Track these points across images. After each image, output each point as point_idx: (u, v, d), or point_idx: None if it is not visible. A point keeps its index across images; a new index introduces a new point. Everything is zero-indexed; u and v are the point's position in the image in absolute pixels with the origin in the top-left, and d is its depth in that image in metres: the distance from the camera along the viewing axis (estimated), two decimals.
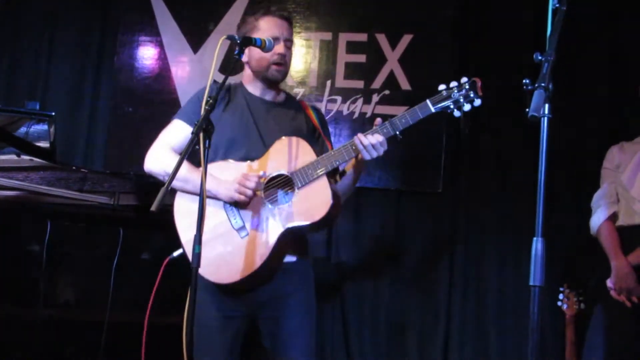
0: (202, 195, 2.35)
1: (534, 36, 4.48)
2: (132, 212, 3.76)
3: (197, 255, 2.32)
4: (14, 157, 3.71)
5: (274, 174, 2.70)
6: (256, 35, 2.80)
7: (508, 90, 4.55)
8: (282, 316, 2.73)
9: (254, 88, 2.92)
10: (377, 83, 4.83)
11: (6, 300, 3.36)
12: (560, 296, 3.88)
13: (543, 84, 1.94)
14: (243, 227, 2.67)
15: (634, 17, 4.44)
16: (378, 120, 2.67)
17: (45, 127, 3.89)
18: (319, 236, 4.63)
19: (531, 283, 1.91)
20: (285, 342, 2.73)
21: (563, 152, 4.30)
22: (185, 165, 2.66)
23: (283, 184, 2.69)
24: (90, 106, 5.30)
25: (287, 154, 2.70)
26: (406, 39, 4.83)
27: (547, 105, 1.95)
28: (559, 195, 4.26)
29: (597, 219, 3.65)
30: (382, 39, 4.87)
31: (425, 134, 4.73)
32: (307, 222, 2.61)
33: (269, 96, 2.92)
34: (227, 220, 2.70)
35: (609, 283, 3.47)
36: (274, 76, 2.85)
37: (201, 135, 2.38)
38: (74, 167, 3.96)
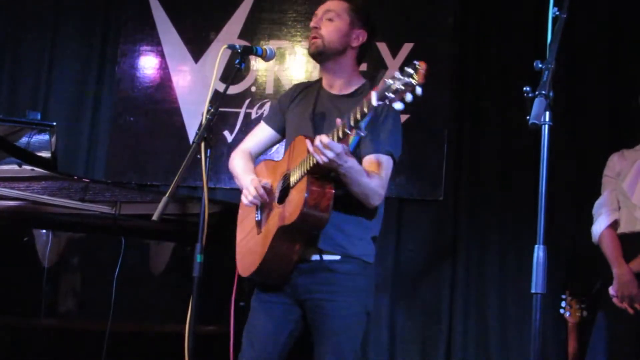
0: (204, 204, 2.36)
1: (534, 44, 4.49)
2: (134, 222, 3.76)
3: (199, 264, 2.33)
4: (15, 167, 3.70)
5: (284, 172, 2.69)
6: None
7: (508, 98, 4.59)
8: (316, 316, 2.67)
9: (324, 81, 2.86)
10: None
11: (8, 310, 3.36)
12: (563, 303, 3.87)
13: (543, 92, 1.94)
14: (259, 225, 2.70)
15: (635, 25, 4.45)
16: (338, 120, 2.45)
17: (47, 137, 3.89)
18: None
19: (533, 290, 1.91)
20: (320, 343, 2.68)
21: (564, 159, 4.31)
22: (244, 163, 2.81)
23: (287, 183, 2.67)
24: (92, 116, 5.30)
25: (293, 153, 2.67)
26: (407, 48, 4.85)
27: (547, 113, 1.94)
28: (560, 202, 4.26)
29: (599, 226, 3.64)
30: (382, 47, 4.88)
31: (427, 143, 4.74)
32: (289, 223, 2.52)
33: (336, 88, 2.82)
34: (254, 217, 2.75)
35: (612, 290, 3.46)
36: (309, 51, 2.78)
37: (202, 144, 2.40)
38: (75, 177, 3.96)
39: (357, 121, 2.32)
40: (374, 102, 2.27)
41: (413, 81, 2.19)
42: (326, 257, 2.66)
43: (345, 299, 2.66)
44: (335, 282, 2.65)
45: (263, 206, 2.72)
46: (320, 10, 2.80)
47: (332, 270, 2.65)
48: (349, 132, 2.37)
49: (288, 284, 2.69)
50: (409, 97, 2.21)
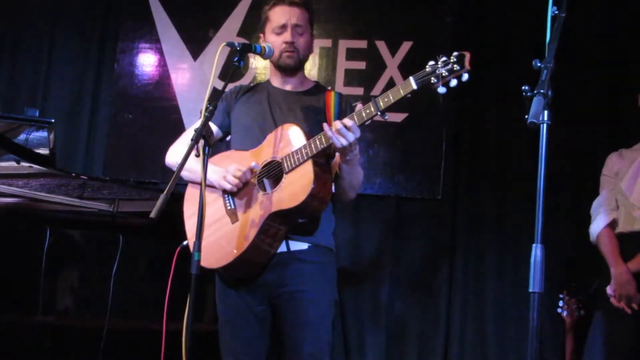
0: (202, 203, 2.35)
1: (534, 43, 4.49)
2: (132, 219, 3.76)
3: (196, 262, 2.32)
4: (13, 164, 3.70)
5: (268, 160, 2.69)
6: (268, 27, 2.85)
7: (507, 97, 4.59)
8: (291, 308, 2.69)
9: (276, 80, 2.92)
10: (377, 90, 4.82)
11: (6, 307, 3.36)
12: (560, 303, 3.88)
13: (542, 91, 1.94)
14: (235, 214, 2.67)
15: (634, 24, 4.45)
16: (359, 105, 2.55)
17: (45, 134, 3.89)
18: None
19: (530, 289, 1.91)
20: (296, 335, 2.69)
21: (562, 158, 4.31)
22: (193, 157, 2.63)
23: (275, 170, 2.68)
24: (90, 113, 5.30)
25: (281, 141, 2.68)
26: (406, 46, 4.84)
27: (546, 112, 1.95)
28: (558, 201, 4.26)
29: (597, 226, 3.64)
30: (382, 45, 4.88)
31: (425, 141, 4.74)
32: (289, 207, 2.56)
33: (289, 86, 2.91)
34: (222, 207, 2.72)
35: (609, 290, 3.46)
36: (286, 63, 2.83)
37: (201, 142, 2.39)
38: (73, 174, 3.96)
39: (389, 104, 2.42)
40: (414, 85, 2.39)
41: (460, 67, 2.33)
42: (293, 247, 2.70)
43: (317, 288, 2.72)
44: (306, 273, 2.70)
45: (237, 194, 2.71)
46: (289, 20, 2.82)
47: (301, 261, 2.70)
48: (378, 114, 2.44)
49: (256, 282, 2.71)
50: (454, 82, 2.36)
